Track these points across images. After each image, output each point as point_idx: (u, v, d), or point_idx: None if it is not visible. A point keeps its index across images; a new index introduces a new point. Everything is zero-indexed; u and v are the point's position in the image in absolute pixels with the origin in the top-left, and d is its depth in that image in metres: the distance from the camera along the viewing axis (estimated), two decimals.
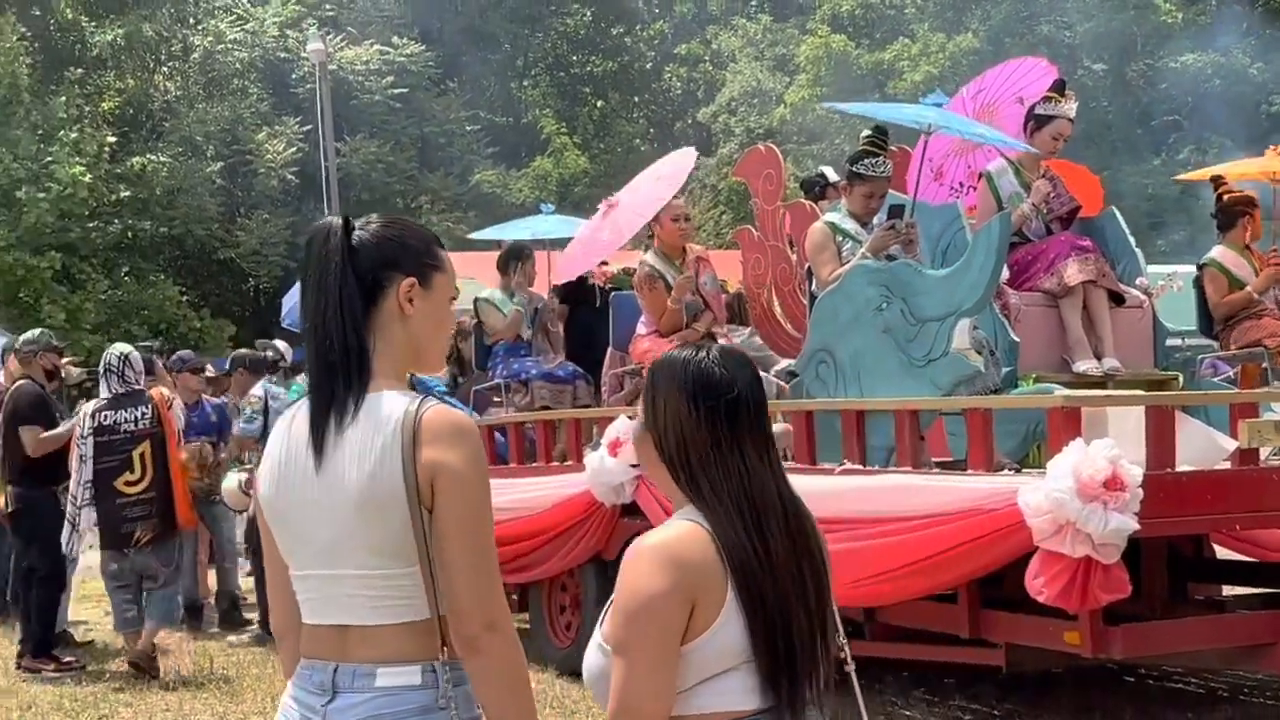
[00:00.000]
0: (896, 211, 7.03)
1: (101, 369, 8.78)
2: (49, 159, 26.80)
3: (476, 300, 9.52)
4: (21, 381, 9.38)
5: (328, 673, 2.55)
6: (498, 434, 9.27)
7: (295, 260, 29.93)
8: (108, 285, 27.97)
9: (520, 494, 8.42)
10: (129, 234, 29.03)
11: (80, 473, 8.47)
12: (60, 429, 9.03)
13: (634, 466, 7.55)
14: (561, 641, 8.53)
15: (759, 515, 2.50)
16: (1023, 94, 7.74)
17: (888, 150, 7.32)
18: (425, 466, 2.46)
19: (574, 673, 8.14)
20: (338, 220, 2.61)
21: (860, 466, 6.43)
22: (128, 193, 28.64)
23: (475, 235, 14.39)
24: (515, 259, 9.30)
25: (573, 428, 8.46)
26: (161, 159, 29.72)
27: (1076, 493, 5.19)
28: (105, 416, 8.48)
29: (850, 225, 7.20)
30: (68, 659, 8.98)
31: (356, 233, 2.61)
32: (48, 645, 9.00)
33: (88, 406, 8.68)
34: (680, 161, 8.69)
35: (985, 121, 7.86)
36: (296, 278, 21.47)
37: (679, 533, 2.50)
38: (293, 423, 2.64)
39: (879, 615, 6.73)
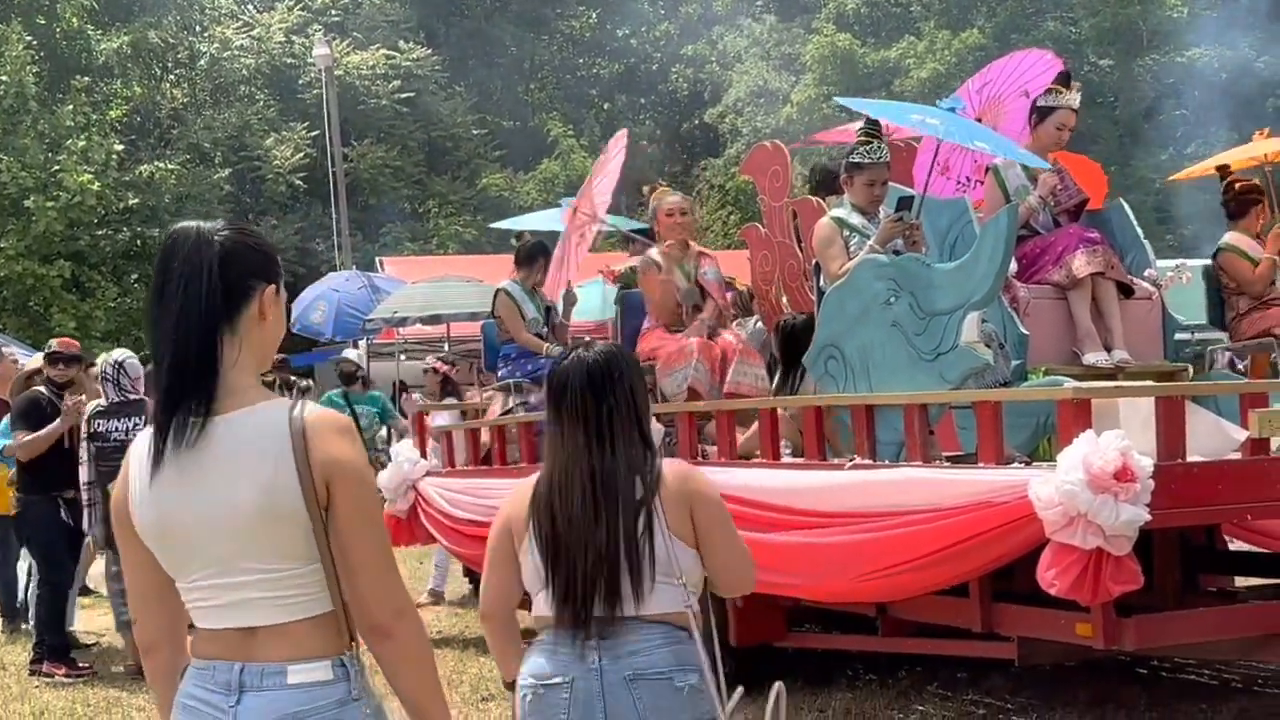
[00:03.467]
0: (905, 203, 7.01)
1: (99, 376, 8.79)
2: (57, 167, 26.88)
3: (496, 291, 9.38)
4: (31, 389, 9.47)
5: (232, 672, 2.56)
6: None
7: (305, 266, 29.99)
8: (117, 293, 28.03)
9: None
10: (138, 242, 29.07)
11: (85, 473, 8.55)
12: (40, 432, 8.98)
13: None
14: None
15: (565, 479, 3.46)
16: (1028, 87, 7.71)
17: (881, 136, 7.30)
18: (320, 466, 2.53)
19: None
20: (207, 228, 2.62)
21: (870, 461, 6.42)
22: (136, 200, 28.68)
23: (497, 225, 14.48)
24: (542, 255, 9.21)
25: None
26: (170, 166, 29.76)
27: (1087, 484, 5.16)
28: (99, 424, 8.51)
29: (857, 219, 7.17)
30: (82, 665, 8.99)
31: (219, 237, 2.61)
32: (60, 651, 9.01)
33: (88, 408, 8.70)
34: (613, 147, 8.77)
35: (991, 116, 7.85)
36: (306, 284, 21.63)
37: (520, 485, 3.63)
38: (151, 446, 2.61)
39: (891, 611, 6.72)
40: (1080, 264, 7.08)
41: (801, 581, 6.61)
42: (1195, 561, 7.41)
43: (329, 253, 28.56)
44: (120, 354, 8.80)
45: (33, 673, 8.88)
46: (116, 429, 8.46)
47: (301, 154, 31.41)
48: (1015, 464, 5.95)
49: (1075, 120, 7.45)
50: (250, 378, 2.63)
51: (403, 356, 19.89)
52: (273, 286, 2.66)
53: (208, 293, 2.55)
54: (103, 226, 28.33)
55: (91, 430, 8.50)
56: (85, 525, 8.70)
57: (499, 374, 9.23)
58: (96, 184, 27.17)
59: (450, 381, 11.95)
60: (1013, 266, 7.17)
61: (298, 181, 31.38)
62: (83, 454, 8.60)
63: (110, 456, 8.35)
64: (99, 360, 8.96)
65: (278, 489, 2.51)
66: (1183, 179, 11.92)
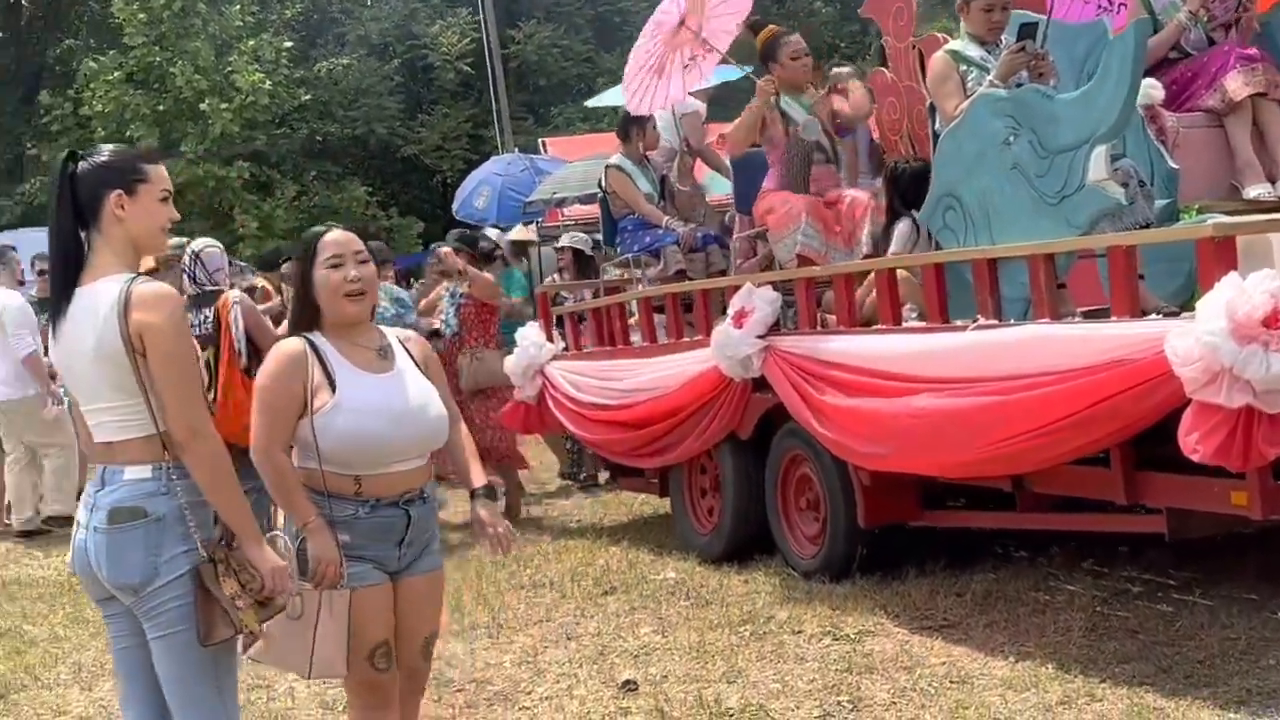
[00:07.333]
0: (1027, 31, 6.24)
1: (181, 270, 7.92)
2: (229, 68, 27.08)
3: (606, 167, 9.00)
4: None
5: (101, 471, 3.67)
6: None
7: (478, 154, 29.79)
8: (297, 190, 28.26)
9: (651, 374, 7.95)
10: (315, 138, 29.25)
11: None
12: None
13: (760, 338, 7.01)
14: (704, 527, 8.03)
15: None
16: None
17: None
18: (134, 325, 3.49)
19: (716, 561, 7.69)
20: (67, 156, 3.61)
21: (994, 322, 5.76)
22: (309, 97, 28.78)
23: (593, 102, 13.85)
24: (635, 124, 8.78)
25: (701, 299, 7.91)
26: (344, 61, 29.79)
27: (1231, 334, 4.49)
28: None
29: (975, 51, 6.43)
30: None
31: (80, 164, 3.59)
32: None
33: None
34: None
35: None
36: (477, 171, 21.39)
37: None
38: None
39: (1028, 484, 6.07)
40: (1237, 85, 6.30)
41: (924, 456, 6.03)
42: None
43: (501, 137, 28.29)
44: (200, 244, 7.99)
45: None
46: (193, 323, 7.60)
47: (468, 39, 31.05)
48: (1154, 315, 5.24)
49: None
50: (109, 261, 3.60)
51: None
52: (119, 192, 3.58)
53: (56, 210, 3.59)
54: (280, 125, 28.54)
55: None
56: None
57: (617, 249, 8.75)
58: (268, 83, 27.31)
59: (589, 260, 11.39)
60: (1161, 93, 6.41)
61: (466, 68, 31.06)
62: None
63: None
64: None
65: (106, 339, 3.50)
66: None
